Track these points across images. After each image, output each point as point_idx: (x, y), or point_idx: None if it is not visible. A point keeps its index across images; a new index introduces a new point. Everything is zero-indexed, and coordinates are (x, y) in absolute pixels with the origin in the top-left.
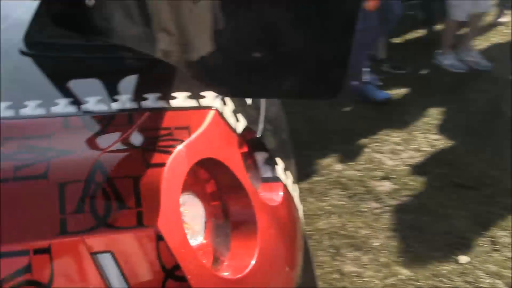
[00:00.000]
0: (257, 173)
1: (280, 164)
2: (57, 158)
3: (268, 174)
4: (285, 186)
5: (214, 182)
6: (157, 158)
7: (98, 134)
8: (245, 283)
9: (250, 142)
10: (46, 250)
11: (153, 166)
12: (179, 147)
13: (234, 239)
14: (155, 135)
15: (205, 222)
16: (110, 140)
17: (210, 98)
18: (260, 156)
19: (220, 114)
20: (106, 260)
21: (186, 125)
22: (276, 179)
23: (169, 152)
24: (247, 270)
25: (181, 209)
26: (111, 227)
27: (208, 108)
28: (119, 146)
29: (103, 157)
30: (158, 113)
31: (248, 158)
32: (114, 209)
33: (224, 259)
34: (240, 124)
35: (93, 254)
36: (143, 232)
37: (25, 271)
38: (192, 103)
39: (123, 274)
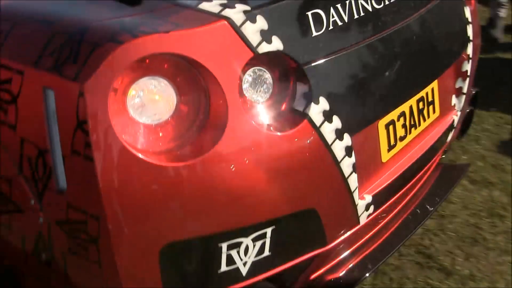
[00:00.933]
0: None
1: (322, 105)
2: None
3: (297, 106)
4: (312, 125)
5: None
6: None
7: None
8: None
9: (282, 67)
10: None
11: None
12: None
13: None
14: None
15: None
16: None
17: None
18: (299, 87)
19: (233, 26)
20: None
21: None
22: (301, 114)
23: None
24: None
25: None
26: None
27: (222, 18)
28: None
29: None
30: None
31: (277, 81)
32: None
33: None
34: (269, 46)
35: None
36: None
37: None
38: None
39: None
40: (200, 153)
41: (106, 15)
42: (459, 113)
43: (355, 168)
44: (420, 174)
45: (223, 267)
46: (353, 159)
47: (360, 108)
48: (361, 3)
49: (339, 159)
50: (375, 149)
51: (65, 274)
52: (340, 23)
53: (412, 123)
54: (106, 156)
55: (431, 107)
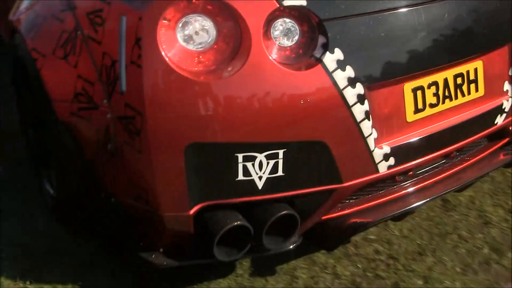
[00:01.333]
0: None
1: (337, 55)
2: None
3: (315, 53)
4: (326, 70)
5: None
6: None
7: None
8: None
9: (306, 20)
10: None
11: None
12: None
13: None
14: None
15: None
16: None
17: None
18: (319, 38)
19: None
20: None
21: None
22: (316, 59)
23: None
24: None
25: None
26: None
27: None
28: None
29: None
30: None
31: (301, 31)
32: None
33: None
34: (293, 1)
35: None
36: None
37: None
38: None
39: None
40: (225, 76)
41: None
42: (511, 100)
43: (368, 115)
44: (456, 147)
45: (240, 176)
46: (365, 106)
47: (379, 65)
48: None
49: (350, 104)
50: (398, 107)
51: (124, 164)
52: None
53: (446, 94)
54: (151, 66)
55: (472, 85)
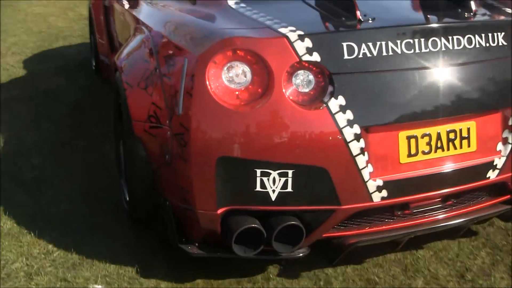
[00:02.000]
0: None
1: (340, 101)
2: None
3: (323, 98)
4: (329, 111)
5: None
6: None
7: None
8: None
9: (316, 71)
10: None
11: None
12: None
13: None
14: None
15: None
16: None
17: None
18: (328, 87)
19: (289, 41)
20: None
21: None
22: (324, 102)
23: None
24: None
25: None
26: None
27: (283, 35)
28: None
29: None
30: None
31: (315, 80)
32: None
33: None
34: (310, 57)
35: None
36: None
37: None
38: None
39: None
40: (254, 107)
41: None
42: (503, 159)
43: (363, 151)
44: (447, 192)
45: (258, 188)
46: (361, 144)
47: (375, 112)
48: (391, 46)
49: (347, 140)
50: (393, 149)
51: (175, 170)
52: (369, 55)
53: (438, 145)
54: (199, 96)
55: (465, 141)
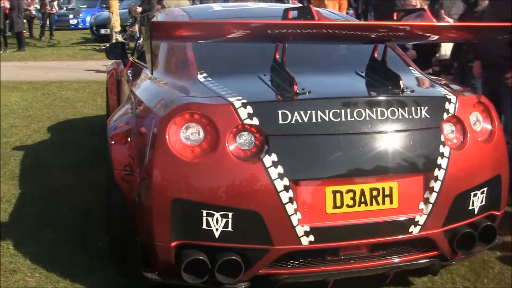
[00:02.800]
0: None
1: (273, 157)
2: None
3: (259, 154)
4: (263, 165)
5: None
6: None
7: None
8: None
9: (255, 132)
10: None
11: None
12: None
13: None
14: None
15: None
16: None
17: (237, 101)
18: (264, 145)
19: (234, 107)
20: None
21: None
22: (259, 158)
23: None
24: (193, 161)
25: None
26: None
27: (230, 103)
28: None
29: None
30: None
31: (255, 140)
32: None
33: None
34: (251, 121)
35: None
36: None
37: None
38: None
39: None
40: (204, 160)
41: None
42: (424, 217)
43: (292, 200)
44: (369, 242)
45: (204, 226)
46: (290, 194)
47: (303, 168)
48: (320, 114)
49: (278, 190)
50: (319, 201)
51: (142, 209)
52: (300, 121)
53: (362, 200)
54: (161, 149)
55: (387, 198)
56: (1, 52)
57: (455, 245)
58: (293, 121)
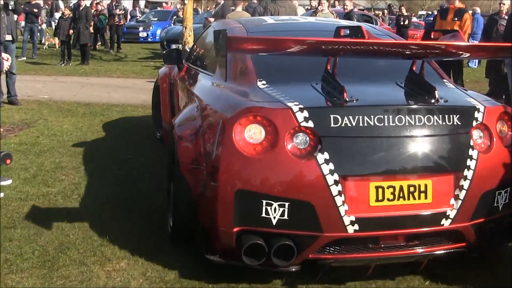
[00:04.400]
0: None
1: (325, 155)
2: None
3: (313, 152)
4: (316, 162)
5: None
6: None
7: None
8: None
9: (310, 133)
10: None
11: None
12: None
13: None
14: None
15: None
16: None
17: (295, 106)
18: (318, 145)
19: (292, 111)
20: None
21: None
22: (313, 156)
23: None
24: (256, 157)
25: None
26: None
27: (288, 107)
28: None
29: None
30: None
31: (310, 140)
32: None
33: None
34: (306, 123)
35: None
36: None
37: None
38: (289, 104)
39: None
40: (265, 156)
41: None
42: (455, 211)
43: (340, 193)
44: (408, 232)
45: (263, 214)
46: (339, 187)
47: (351, 166)
48: (366, 120)
49: (329, 184)
50: (364, 194)
51: (207, 198)
52: (349, 125)
53: (401, 195)
54: (227, 146)
55: (422, 194)
56: (63, 65)
57: (481, 238)
58: (343, 125)
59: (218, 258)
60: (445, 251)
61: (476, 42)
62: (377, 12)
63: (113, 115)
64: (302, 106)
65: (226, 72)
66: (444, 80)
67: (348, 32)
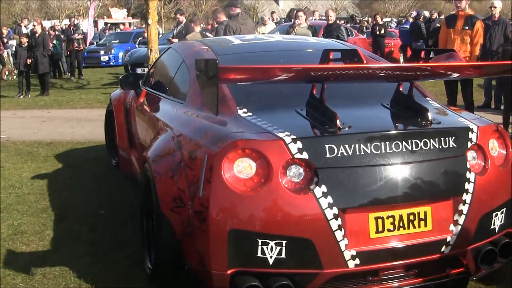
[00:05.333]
0: None
1: (323, 188)
2: None
3: (310, 186)
4: (314, 196)
5: None
6: None
7: None
8: None
9: (305, 165)
10: None
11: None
12: None
13: None
14: None
15: (252, 175)
16: None
17: (288, 137)
18: (314, 177)
19: (284, 143)
20: None
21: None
22: (310, 189)
23: None
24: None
25: None
26: None
27: (280, 138)
28: None
29: None
30: None
31: (304, 172)
32: None
33: None
34: (301, 155)
35: None
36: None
37: None
38: (278, 133)
39: None
40: (257, 192)
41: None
42: (454, 237)
43: (340, 228)
44: (409, 262)
45: (259, 254)
46: (339, 221)
47: (350, 198)
48: (363, 148)
49: (328, 218)
50: (364, 227)
51: (195, 239)
52: (345, 154)
53: (401, 225)
54: (216, 183)
55: (422, 221)
56: (22, 97)
57: (479, 262)
58: (339, 154)
59: None
60: (446, 278)
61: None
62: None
63: (78, 156)
64: (294, 137)
65: (217, 105)
66: (427, 98)
67: (340, 56)
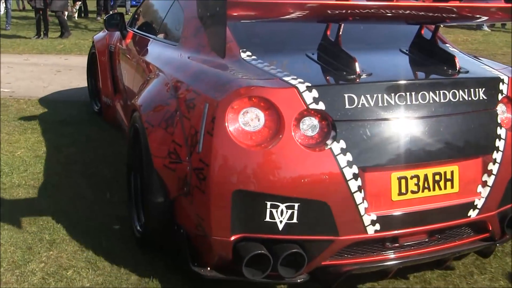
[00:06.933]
0: None
1: (341, 144)
2: None
3: (326, 141)
4: (332, 152)
5: None
6: None
7: None
8: None
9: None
10: None
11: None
12: None
13: None
14: None
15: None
16: None
17: (302, 85)
18: (331, 132)
19: (298, 91)
20: None
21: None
22: (327, 145)
23: None
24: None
25: None
26: None
27: (293, 86)
28: None
29: None
30: None
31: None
32: None
33: None
34: (316, 106)
35: None
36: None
37: None
38: (291, 80)
39: None
40: (266, 147)
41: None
42: (483, 200)
43: (360, 189)
44: (432, 227)
45: (267, 218)
46: (359, 182)
47: (371, 155)
48: (386, 98)
49: (347, 178)
50: (385, 188)
51: (193, 200)
52: (366, 106)
53: (425, 186)
54: (219, 136)
55: (448, 182)
56: (41, 38)
57: (505, 226)
58: (359, 105)
59: (210, 272)
60: (472, 245)
61: None
62: None
63: (96, 121)
64: (309, 84)
65: (224, 46)
66: (448, 45)
67: None
